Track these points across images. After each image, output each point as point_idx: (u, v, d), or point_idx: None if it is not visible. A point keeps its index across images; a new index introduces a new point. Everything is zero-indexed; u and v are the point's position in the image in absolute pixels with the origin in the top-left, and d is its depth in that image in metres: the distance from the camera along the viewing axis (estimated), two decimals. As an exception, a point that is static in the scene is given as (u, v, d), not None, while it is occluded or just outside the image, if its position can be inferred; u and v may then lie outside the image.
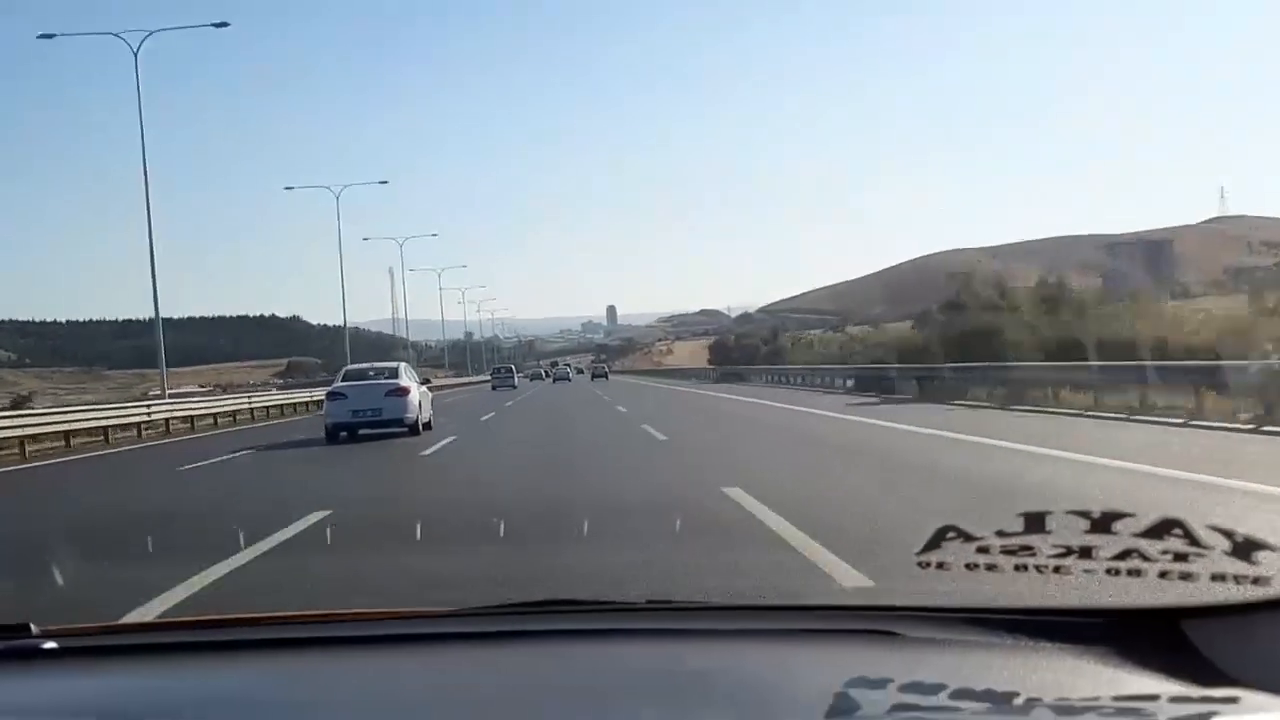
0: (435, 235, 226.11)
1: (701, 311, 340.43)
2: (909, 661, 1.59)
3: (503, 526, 6.62)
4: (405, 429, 19.27)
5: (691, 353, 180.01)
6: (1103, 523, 1.53)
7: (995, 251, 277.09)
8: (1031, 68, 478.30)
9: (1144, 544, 1.52)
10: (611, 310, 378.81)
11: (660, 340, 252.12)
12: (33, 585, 5.43)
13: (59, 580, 4.92)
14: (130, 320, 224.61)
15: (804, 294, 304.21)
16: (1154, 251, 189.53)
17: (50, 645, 1.80)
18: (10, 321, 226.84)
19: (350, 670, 1.75)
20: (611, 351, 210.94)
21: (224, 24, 40.02)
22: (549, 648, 1.79)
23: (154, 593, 5.48)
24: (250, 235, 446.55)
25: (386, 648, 1.81)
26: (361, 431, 19.40)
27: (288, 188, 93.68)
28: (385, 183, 67.65)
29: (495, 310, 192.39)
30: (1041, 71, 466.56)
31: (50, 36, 35.56)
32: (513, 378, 68.12)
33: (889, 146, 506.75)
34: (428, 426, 20.34)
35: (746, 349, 73.02)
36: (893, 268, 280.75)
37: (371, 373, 20.94)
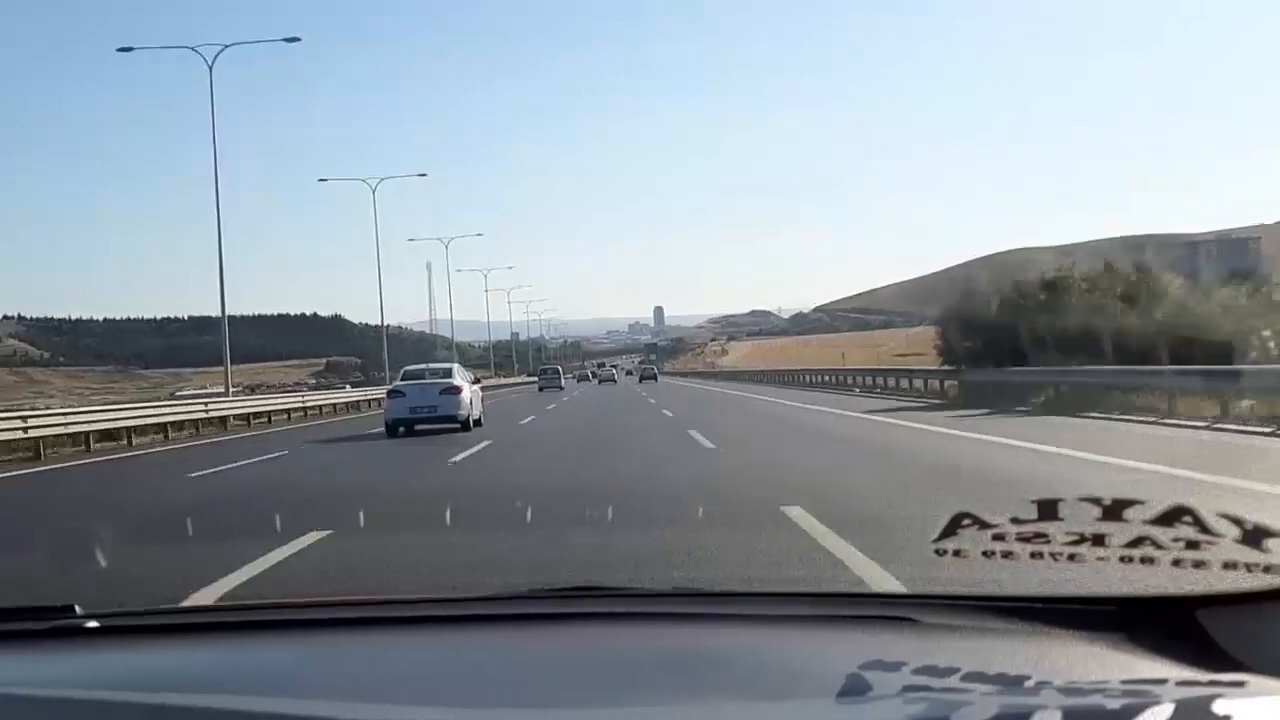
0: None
1: (752, 312, 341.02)
2: (924, 646, 1.66)
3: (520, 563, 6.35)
4: (458, 425, 21.64)
5: (747, 353, 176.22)
6: (1114, 510, 1.61)
7: (1064, 250, 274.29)
8: (1102, 63, 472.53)
9: (1156, 532, 1.59)
10: (659, 311, 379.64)
11: (713, 340, 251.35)
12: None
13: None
14: (168, 319, 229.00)
15: (860, 294, 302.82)
16: (1237, 251, 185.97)
17: (93, 624, 1.95)
18: (45, 319, 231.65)
19: (383, 650, 1.86)
20: (661, 352, 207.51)
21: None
22: (575, 630, 1.89)
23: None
24: (294, 233, 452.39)
25: (420, 628, 1.94)
26: (417, 427, 21.61)
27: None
28: (424, 175, 67.37)
29: (543, 311, 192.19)
30: (1113, 67, 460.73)
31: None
32: (559, 378, 69.73)
33: (948, 145, 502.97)
34: (478, 423, 22.74)
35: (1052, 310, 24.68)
36: (956, 266, 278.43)
37: (427, 373, 23.60)
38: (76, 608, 1.96)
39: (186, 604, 2.08)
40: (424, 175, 65.75)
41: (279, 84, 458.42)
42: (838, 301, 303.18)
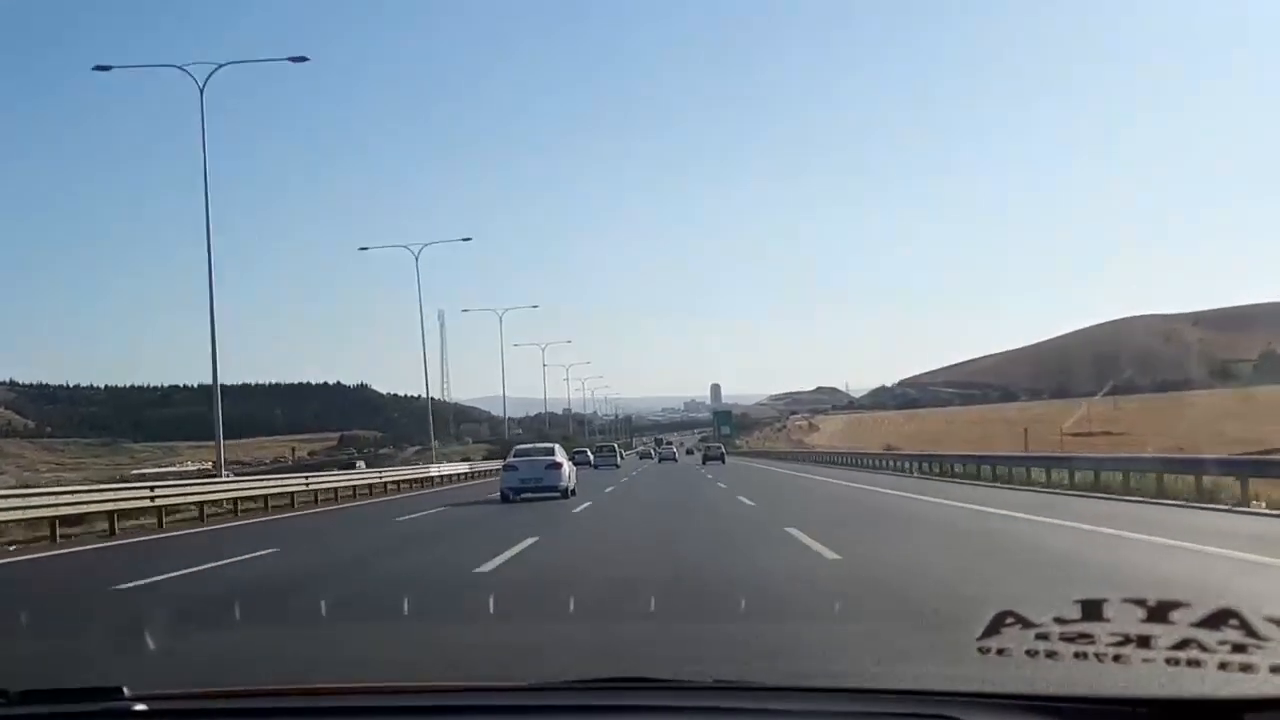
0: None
1: (818, 389, 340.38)
2: None
3: None
4: (559, 494, 29.46)
5: (842, 430, 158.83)
6: (1159, 612, 1.81)
7: (1196, 318, 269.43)
8: (1241, 104, 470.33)
9: (1201, 634, 1.79)
10: (716, 389, 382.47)
11: (794, 414, 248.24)
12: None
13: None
14: (175, 386, 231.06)
15: (944, 368, 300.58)
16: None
17: (141, 708, 2.20)
18: (39, 386, 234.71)
19: None
20: (734, 424, 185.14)
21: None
22: None
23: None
24: (327, 299, 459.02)
25: (468, 718, 2.17)
26: (524, 495, 29.15)
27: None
28: (469, 239, 68.16)
29: (597, 389, 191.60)
30: (1252, 106, 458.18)
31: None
32: (615, 457, 74.13)
33: (1046, 205, 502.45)
34: (573, 492, 30.78)
35: None
36: (1070, 334, 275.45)
37: (535, 452, 32.35)
38: (124, 689, 2.22)
39: (234, 686, 2.25)
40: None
41: (326, 149, 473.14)
42: (927, 374, 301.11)
